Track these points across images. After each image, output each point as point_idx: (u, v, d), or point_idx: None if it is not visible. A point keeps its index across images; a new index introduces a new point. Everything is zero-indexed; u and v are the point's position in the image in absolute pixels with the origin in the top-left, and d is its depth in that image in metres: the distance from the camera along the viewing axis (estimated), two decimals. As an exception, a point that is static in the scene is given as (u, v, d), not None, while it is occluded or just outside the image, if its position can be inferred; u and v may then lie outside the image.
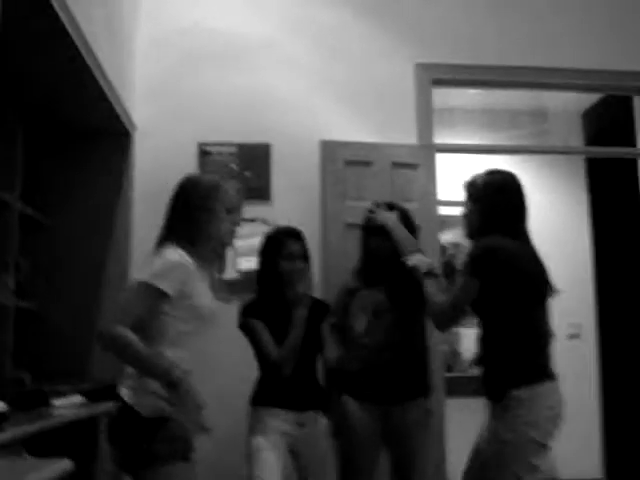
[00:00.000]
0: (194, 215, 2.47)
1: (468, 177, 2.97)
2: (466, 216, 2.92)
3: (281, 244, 3.23)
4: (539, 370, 2.73)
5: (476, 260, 2.70)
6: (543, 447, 2.63)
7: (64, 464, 1.63)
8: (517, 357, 2.70)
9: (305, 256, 3.26)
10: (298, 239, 3.27)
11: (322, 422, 3.22)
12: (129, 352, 2.26)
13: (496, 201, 2.82)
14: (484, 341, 2.80)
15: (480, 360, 2.86)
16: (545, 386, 2.69)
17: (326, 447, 3.20)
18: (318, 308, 3.28)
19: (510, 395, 2.61)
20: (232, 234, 2.59)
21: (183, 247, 2.41)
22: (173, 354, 2.35)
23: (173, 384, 2.24)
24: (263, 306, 3.23)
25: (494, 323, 2.76)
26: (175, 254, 2.38)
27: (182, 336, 2.41)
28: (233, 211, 2.56)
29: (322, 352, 3.26)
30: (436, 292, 2.84)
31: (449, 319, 2.81)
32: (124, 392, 2.36)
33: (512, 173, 2.95)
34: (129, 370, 2.40)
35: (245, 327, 3.20)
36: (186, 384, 2.25)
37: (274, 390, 3.16)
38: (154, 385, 2.29)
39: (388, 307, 3.21)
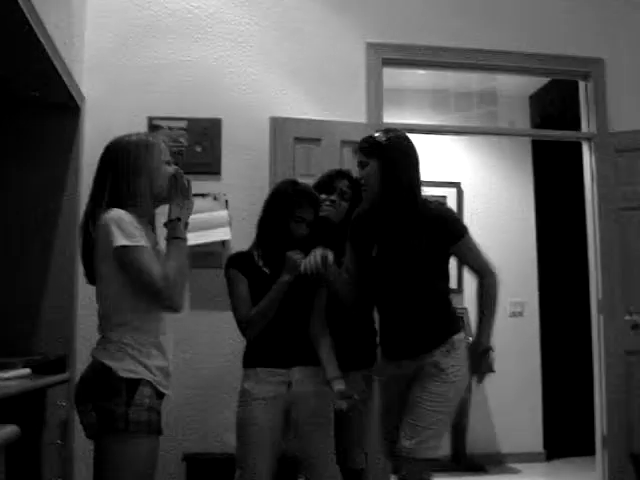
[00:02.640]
0: (132, 178, 2.41)
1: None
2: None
3: (295, 206, 3.08)
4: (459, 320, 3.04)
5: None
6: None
7: (11, 429, 1.65)
8: (451, 307, 2.97)
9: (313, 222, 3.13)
10: (313, 204, 3.13)
11: (315, 377, 3.06)
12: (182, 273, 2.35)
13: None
14: (414, 299, 2.87)
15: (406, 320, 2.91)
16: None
17: (321, 404, 3.05)
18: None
19: (451, 340, 2.84)
20: (182, 181, 2.49)
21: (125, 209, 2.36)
22: (138, 319, 2.35)
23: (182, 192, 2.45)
24: (252, 259, 3.12)
25: (435, 278, 2.91)
26: (121, 212, 2.33)
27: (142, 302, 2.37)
28: (169, 163, 2.51)
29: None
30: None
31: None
32: (101, 354, 2.34)
33: None
34: (109, 334, 2.36)
35: (226, 276, 3.12)
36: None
37: (258, 348, 3.06)
38: (132, 350, 2.32)
39: None
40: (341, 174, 3.41)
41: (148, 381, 2.33)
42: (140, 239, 2.31)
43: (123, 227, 2.29)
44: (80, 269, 3.98)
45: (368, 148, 2.89)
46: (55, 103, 4.13)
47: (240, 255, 3.20)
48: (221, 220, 4.34)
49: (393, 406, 2.95)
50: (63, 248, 4.14)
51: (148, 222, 2.50)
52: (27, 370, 3.44)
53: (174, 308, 2.36)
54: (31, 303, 4.06)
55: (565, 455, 6.15)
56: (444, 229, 2.85)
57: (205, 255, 4.30)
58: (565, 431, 6.17)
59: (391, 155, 2.85)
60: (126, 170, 2.42)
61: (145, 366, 2.34)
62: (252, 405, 2.99)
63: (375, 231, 2.95)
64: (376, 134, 2.93)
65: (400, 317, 2.90)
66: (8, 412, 2.69)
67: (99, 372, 2.32)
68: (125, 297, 2.35)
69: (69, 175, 4.21)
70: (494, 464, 6.02)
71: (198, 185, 4.32)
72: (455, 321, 2.96)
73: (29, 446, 3.09)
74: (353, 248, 3.03)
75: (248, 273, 3.09)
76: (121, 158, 2.44)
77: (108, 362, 2.30)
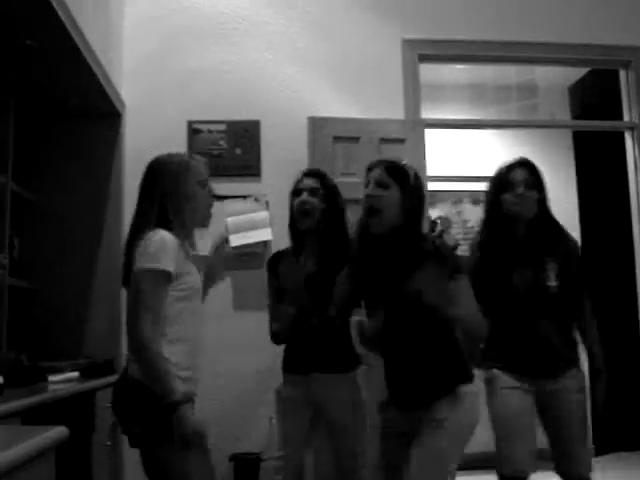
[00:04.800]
0: (171, 200, 2.46)
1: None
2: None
3: (297, 182, 3.18)
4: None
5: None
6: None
7: (60, 431, 1.67)
8: (462, 355, 2.61)
9: (318, 192, 3.08)
10: (313, 175, 3.17)
11: (337, 383, 3.02)
12: (153, 364, 2.27)
13: None
14: (417, 342, 2.55)
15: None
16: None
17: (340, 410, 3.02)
18: (335, 260, 2.93)
19: (458, 391, 2.51)
20: (209, 207, 2.60)
21: (165, 229, 2.41)
22: (176, 332, 2.37)
23: (171, 406, 2.24)
24: (284, 254, 3.21)
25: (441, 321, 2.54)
26: (160, 233, 2.37)
27: (182, 314, 2.41)
28: (206, 184, 2.56)
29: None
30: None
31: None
32: (138, 372, 2.34)
33: None
34: None
35: None
36: (182, 412, 2.25)
37: (285, 354, 3.17)
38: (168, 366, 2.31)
39: None
40: (521, 164, 3.17)
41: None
42: (168, 262, 2.34)
43: (159, 249, 2.34)
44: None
45: (395, 172, 2.58)
46: (96, 111, 4.20)
47: (275, 255, 3.31)
48: (262, 221, 4.37)
49: (390, 465, 2.65)
50: (108, 253, 4.21)
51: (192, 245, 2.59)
52: (76, 374, 3.52)
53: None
54: (78, 308, 4.13)
55: (615, 450, 6.06)
56: (443, 264, 2.52)
57: (247, 256, 4.33)
58: (614, 426, 6.07)
59: (416, 190, 2.60)
60: (174, 192, 2.47)
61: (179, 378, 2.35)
62: (281, 405, 3.15)
63: (377, 263, 2.63)
64: (402, 162, 2.65)
65: (403, 362, 2.60)
66: (59, 415, 2.75)
67: (138, 390, 2.33)
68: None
69: (112, 182, 4.28)
70: (539, 460, 5.95)
71: (239, 187, 4.42)
72: (465, 370, 2.58)
73: (79, 448, 3.15)
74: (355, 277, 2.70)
75: (277, 272, 3.19)
76: (163, 180, 2.49)
77: (142, 379, 2.32)
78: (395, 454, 2.60)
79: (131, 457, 3.98)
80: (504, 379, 2.95)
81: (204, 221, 2.61)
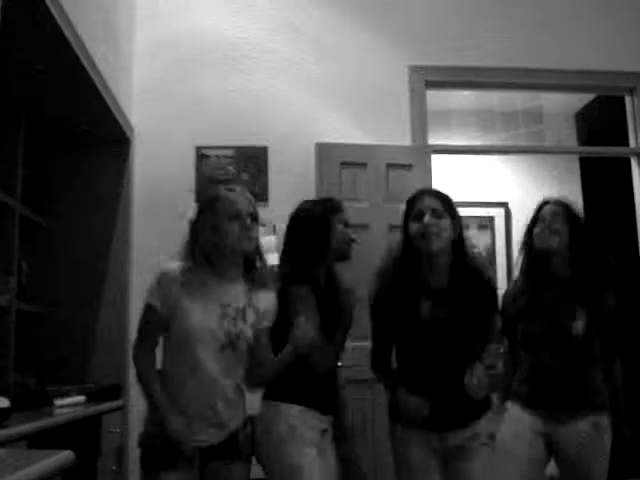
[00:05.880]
0: (192, 231, 2.44)
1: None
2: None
3: (338, 207, 2.83)
4: None
5: None
6: None
7: (66, 455, 1.67)
8: None
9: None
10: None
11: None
12: (142, 383, 2.34)
13: None
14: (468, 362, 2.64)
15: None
16: None
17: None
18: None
19: (493, 402, 2.75)
20: (242, 240, 2.39)
21: (186, 262, 2.39)
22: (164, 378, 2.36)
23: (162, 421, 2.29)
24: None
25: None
26: (165, 265, 2.38)
27: (173, 365, 2.36)
28: (237, 217, 2.39)
29: None
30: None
31: None
32: None
33: None
34: None
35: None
36: (173, 428, 2.27)
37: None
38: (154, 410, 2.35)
39: None
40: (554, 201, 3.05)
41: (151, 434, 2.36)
42: (155, 297, 2.32)
43: (156, 283, 2.35)
44: (131, 300, 4.09)
45: (447, 202, 2.65)
46: (106, 135, 4.23)
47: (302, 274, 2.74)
48: (268, 246, 4.37)
49: None
50: (116, 278, 4.22)
51: (225, 275, 2.44)
52: (82, 398, 3.52)
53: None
54: (85, 333, 4.13)
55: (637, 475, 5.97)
56: (491, 298, 2.69)
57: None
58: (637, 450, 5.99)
59: (460, 220, 2.68)
60: (192, 225, 2.46)
61: (158, 425, 2.33)
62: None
63: (423, 288, 2.65)
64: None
65: (451, 382, 2.57)
66: (65, 438, 2.75)
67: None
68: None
69: (120, 206, 4.29)
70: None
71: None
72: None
73: (85, 472, 3.14)
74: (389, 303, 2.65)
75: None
76: (196, 214, 2.48)
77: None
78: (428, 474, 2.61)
79: (136, 482, 3.96)
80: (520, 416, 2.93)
81: (234, 256, 2.42)
